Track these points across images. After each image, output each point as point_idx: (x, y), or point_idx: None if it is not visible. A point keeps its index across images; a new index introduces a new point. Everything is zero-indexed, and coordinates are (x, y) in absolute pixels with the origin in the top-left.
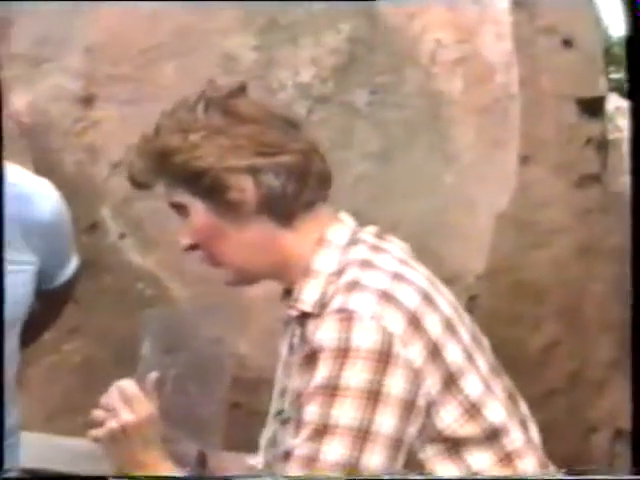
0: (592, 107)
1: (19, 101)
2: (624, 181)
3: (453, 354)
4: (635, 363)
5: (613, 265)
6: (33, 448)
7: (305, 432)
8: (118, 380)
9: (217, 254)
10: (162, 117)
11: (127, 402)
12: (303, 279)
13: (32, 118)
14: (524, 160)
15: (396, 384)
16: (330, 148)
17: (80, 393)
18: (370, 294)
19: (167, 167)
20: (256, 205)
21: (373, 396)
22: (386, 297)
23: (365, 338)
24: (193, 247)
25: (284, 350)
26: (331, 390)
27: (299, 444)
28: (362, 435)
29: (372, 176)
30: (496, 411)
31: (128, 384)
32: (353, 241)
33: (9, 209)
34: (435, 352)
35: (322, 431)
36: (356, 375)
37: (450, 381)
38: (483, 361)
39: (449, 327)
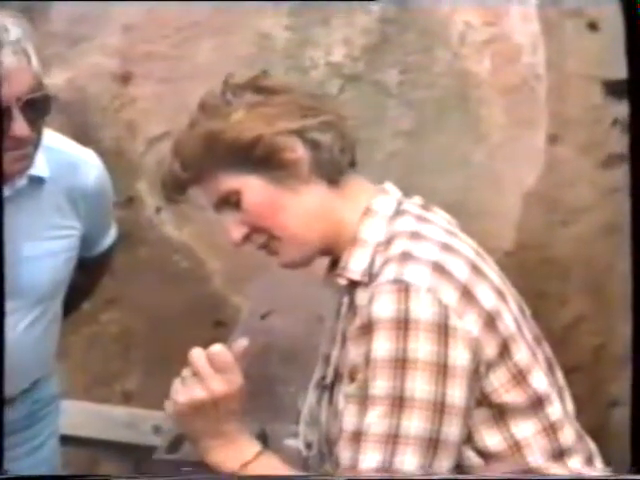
0: (618, 89)
1: (58, 78)
2: None
3: (506, 322)
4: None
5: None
6: (72, 415)
7: (380, 408)
8: (154, 348)
9: (277, 230)
10: (193, 113)
11: (220, 370)
12: (350, 248)
13: (70, 95)
14: (551, 139)
15: (459, 355)
16: (361, 126)
17: (118, 363)
18: (423, 266)
19: (216, 151)
20: (309, 166)
21: (442, 369)
22: (439, 269)
23: (423, 310)
24: (248, 237)
25: (330, 317)
26: (400, 363)
27: (375, 422)
28: (439, 408)
29: (403, 154)
30: (540, 379)
31: (221, 351)
32: (399, 212)
33: (57, 175)
34: (489, 321)
35: (399, 406)
36: (422, 347)
37: (503, 348)
38: (527, 329)
39: (500, 296)
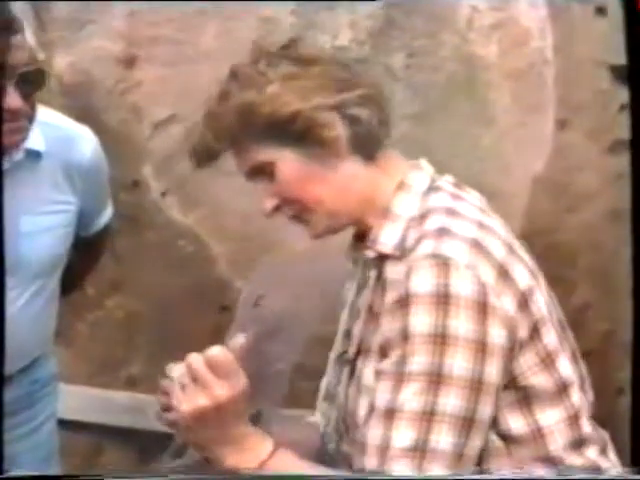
0: (625, 74)
1: (62, 62)
2: None
3: (538, 304)
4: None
5: None
6: (77, 401)
7: (416, 385)
8: (159, 333)
9: (310, 203)
10: (224, 83)
11: (222, 375)
12: (382, 222)
13: (75, 78)
14: (559, 124)
15: (498, 334)
16: None
17: (122, 348)
18: (462, 242)
19: (251, 124)
20: (346, 141)
21: (481, 347)
22: (477, 246)
23: (463, 287)
24: (278, 207)
25: (350, 293)
26: (440, 339)
27: (410, 398)
28: (476, 386)
29: (410, 137)
30: (566, 365)
31: (221, 354)
32: (433, 188)
33: (53, 150)
34: (523, 301)
35: (436, 382)
36: (462, 324)
37: (533, 330)
38: (555, 314)
39: (533, 277)
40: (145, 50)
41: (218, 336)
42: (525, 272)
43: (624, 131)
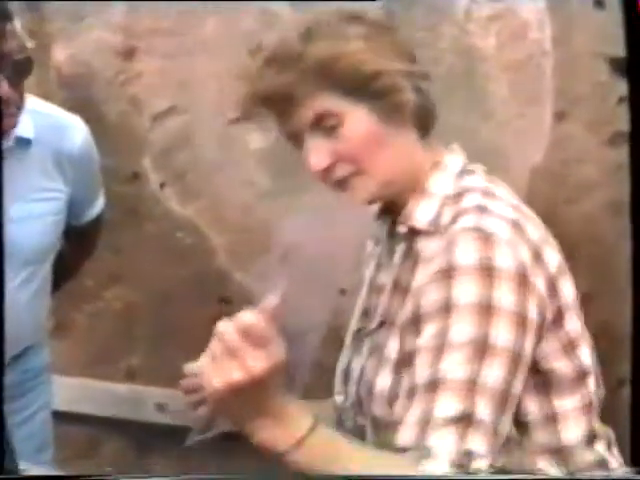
0: (623, 66)
1: (62, 54)
2: None
3: (565, 289)
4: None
5: None
6: (75, 392)
7: (460, 354)
8: (158, 325)
9: (367, 164)
10: (307, 29)
11: (257, 343)
12: (417, 198)
13: (74, 70)
14: (558, 116)
15: (534, 310)
16: None
17: (122, 339)
18: (502, 220)
19: (328, 73)
20: (412, 111)
21: (522, 320)
22: (515, 226)
23: (506, 261)
24: (330, 167)
25: (368, 272)
26: (485, 309)
27: (454, 368)
28: (516, 359)
29: None
30: (587, 354)
31: (255, 321)
32: (467, 171)
33: (43, 138)
34: (551, 285)
35: (482, 352)
36: (506, 296)
37: (558, 315)
38: (578, 303)
39: (562, 262)
40: (145, 42)
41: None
42: (555, 256)
43: (623, 123)
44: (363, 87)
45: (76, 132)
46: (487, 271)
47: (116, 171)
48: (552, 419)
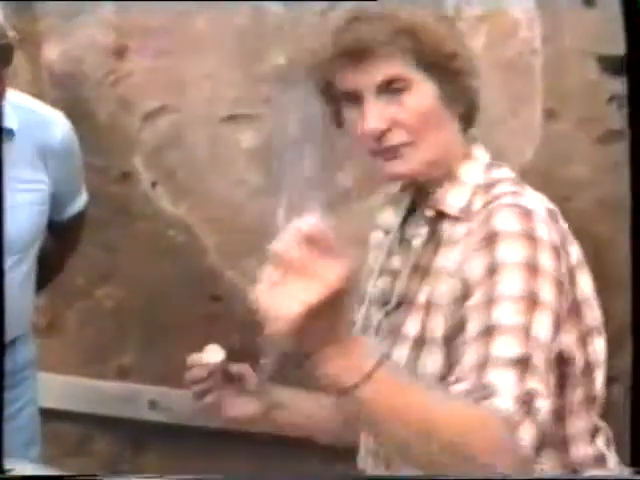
0: (613, 65)
1: (53, 52)
2: None
3: (582, 283)
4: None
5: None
6: (67, 391)
7: (511, 305)
8: (149, 323)
9: (420, 137)
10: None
11: (324, 253)
12: (448, 185)
13: (65, 69)
14: (548, 115)
15: (566, 284)
16: None
17: (113, 338)
18: (538, 202)
19: (414, 40)
20: (467, 100)
21: (560, 286)
22: (550, 211)
23: (545, 234)
24: (385, 132)
25: (380, 258)
26: (532, 268)
27: (506, 315)
28: (557, 315)
29: None
30: (601, 347)
31: (314, 223)
32: (494, 164)
33: (26, 130)
34: (571, 276)
35: (533, 304)
36: (548, 261)
37: (574, 306)
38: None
39: (581, 258)
40: (136, 41)
41: (209, 326)
42: (576, 250)
43: (613, 121)
44: (438, 63)
45: (58, 126)
46: (530, 237)
47: (107, 170)
48: (560, 410)
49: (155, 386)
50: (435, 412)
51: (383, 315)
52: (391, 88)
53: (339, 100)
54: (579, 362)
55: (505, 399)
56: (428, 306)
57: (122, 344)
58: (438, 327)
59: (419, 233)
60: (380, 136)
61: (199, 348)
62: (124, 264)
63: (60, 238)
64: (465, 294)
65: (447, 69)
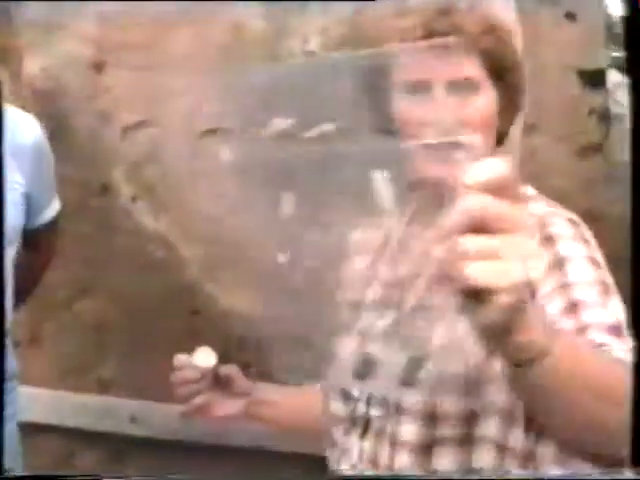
0: (594, 79)
1: (33, 67)
2: (625, 152)
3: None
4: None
5: (615, 233)
6: (48, 405)
7: (591, 288)
8: (129, 338)
9: (472, 147)
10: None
11: (510, 197)
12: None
13: (46, 83)
14: (528, 129)
15: None
16: (339, 114)
17: (93, 352)
18: (574, 216)
19: (491, 44)
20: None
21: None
22: (574, 223)
23: (592, 237)
24: (446, 131)
25: (383, 264)
26: (596, 262)
27: (589, 295)
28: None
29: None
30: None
31: (502, 164)
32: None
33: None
34: None
35: (606, 288)
36: (601, 259)
37: None
38: None
39: None
40: (115, 55)
41: (189, 340)
42: None
43: (593, 135)
44: (504, 72)
45: (30, 128)
46: (583, 239)
47: (87, 184)
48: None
49: (135, 400)
50: (601, 366)
51: (391, 323)
52: (462, 86)
53: (388, 89)
54: None
55: (619, 353)
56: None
57: (102, 358)
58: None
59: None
60: (447, 131)
61: None
62: (104, 278)
63: (34, 248)
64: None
65: (510, 80)
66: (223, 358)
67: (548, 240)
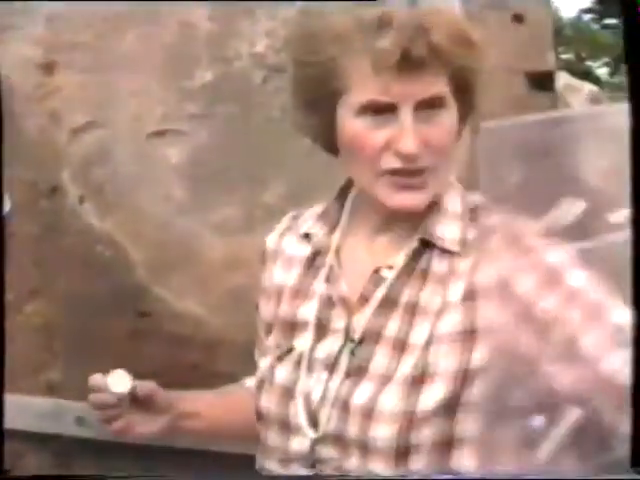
0: (542, 81)
1: None
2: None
3: None
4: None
5: None
6: None
7: (599, 293)
8: (77, 339)
9: (442, 163)
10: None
11: None
12: (436, 216)
13: None
14: (476, 132)
15: None
16: (284, 117)
17: (41, 354)
18: None
19: (459, 60)
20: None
21: None
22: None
23: None
24: (416, 155)
25: (315, 282)
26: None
27: (601, 297)
28: None
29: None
30: None
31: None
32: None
33: None
34: None
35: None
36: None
37: None
38: None
39: None
40: (64, 56)
41: (136, 342)
42: None
43: None
44: (471, 85)
45: None
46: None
47: (35, 185)
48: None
49: (82, 402)
50: None
51: (338, 350)
52: (428, 105)
53: (333, 109)
54: None
55: None
56: (427, 343)
57: (50, 360)
58: (443, 361)
59: (389, 263)
60: (410, 157)
61: (126, 364)
62: (52, 280)
63: None
64: (520, 311)
65: (473, 90)
66: (170, 359)
67: (553, 278)
